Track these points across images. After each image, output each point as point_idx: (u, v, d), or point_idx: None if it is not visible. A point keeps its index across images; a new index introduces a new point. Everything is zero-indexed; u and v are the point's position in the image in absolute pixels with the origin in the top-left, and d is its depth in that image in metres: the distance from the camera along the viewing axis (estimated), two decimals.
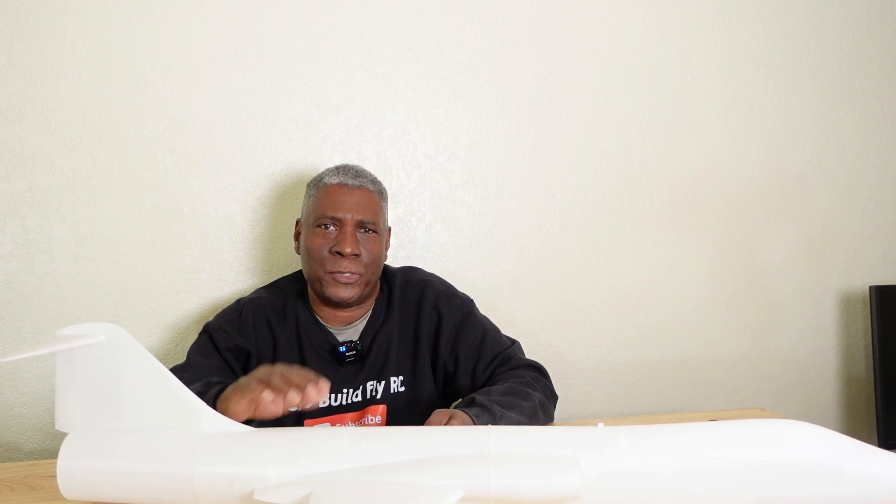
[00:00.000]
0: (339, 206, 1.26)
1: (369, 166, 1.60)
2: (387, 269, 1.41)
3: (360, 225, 1.27)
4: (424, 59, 1.65)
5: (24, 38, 1.43)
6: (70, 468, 0.84)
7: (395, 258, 1.63)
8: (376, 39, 1.62)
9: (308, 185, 1.35)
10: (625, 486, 0.79)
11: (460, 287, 1.42)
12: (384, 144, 1.64)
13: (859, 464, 0.77)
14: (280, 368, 0.94)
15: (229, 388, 0.98)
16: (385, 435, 0.85)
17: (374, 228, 1.29)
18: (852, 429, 1.95)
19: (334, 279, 1.25)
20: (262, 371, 0.96)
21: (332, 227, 1.27)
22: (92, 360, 0.85)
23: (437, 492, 0.77)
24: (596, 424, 0.85)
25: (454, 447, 0.82)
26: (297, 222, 1.37)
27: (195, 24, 1.52)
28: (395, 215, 1.64)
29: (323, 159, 1.59)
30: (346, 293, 1.26)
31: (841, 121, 1.95)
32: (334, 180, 1.29)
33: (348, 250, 1.24)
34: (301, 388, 0.89)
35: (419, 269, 1.43)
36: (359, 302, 1.31)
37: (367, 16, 1.62)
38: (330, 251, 1.25)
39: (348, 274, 1.25)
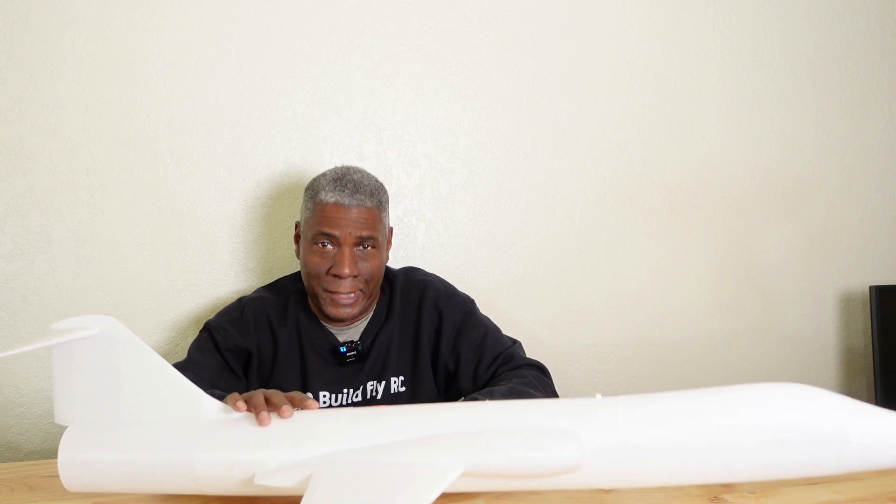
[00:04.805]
0: (336, 226, 1.23)
1: (369, 166, 1.60)
2: (388, 269, 1.40)
3: (359, 242, 1.25)
4: (424, 59, 1.65)
5: (24, 38, 1.43)
6: (71, 461, 0.84)
7: (395, 258, 1.63)
8: (376, 39, 1.62)
9: (305, 191, 1.32)
10: (624, 456, 0.79)
11: (460, 287, 1.42)
12: (384, 144, 1.64)
13: (862, 426, 0.77)
14: (270, 393, 0.91)
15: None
16: (384, 415, 0.86)
17: (373, 244, 1.26)
18: None
19: (332, 300, 1.24)
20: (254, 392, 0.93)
21: (329, 246, 1.24)
22: (88, 352, 0.85)
23: (437, 470, 0.77)
24: (594, 396, 0.86)
25: (452, 424, 0.82)
26: (297, 225, 1.37)
27: (195, 24, 1.52)
28: (395, 215, 1.64)
29: (323, 159, 1.59)
30: (345, 312, 1.25)
31: (841, 121, 1.95)
32: (330, 199, 1.24)
33: (346, 272, 1.22)
34: (277, 408, 0.86)
35: (419, 269, 1.43)
36: (357, 316, 1.30)
37: (367, 16, 1.62)
38: (327, 272, 1.24)
39: (346, 295, 1.24)
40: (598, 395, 0.85)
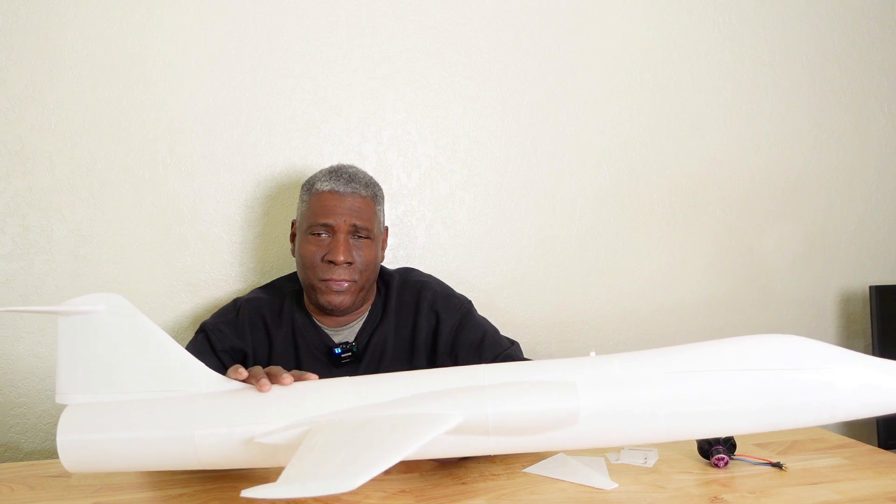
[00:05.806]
0: (331, 213, 1.25)
1: (369, 166, 1.60)
2: (384, 270, 1.40)
3: (353, 231, 1.26)
4: (424, 59, 1.65)
5: (24, 38, 1.43)
6: (70, 442, 0.83)
7: (395, 258, 1.63)
8: (376, 39, 1.62)
9: (302, 188, 1.34)
10: (620, 409, 0.80)
11: (460, 287, 1.42)
12: (384, 144, 1.64)
13: (848, 370, 0.82)
14: (270, 367, 0.94)
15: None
16: (383, 379, 0.87)
17: (368, 234, 1.27)
18: (852, 429, 1.95)
19: (328, 287, 1.25)
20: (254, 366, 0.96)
21: (324, 235, 1.26)
22: (94, 328, 0.85)
23: (435, 419, 0.78)
24: (588, 354, 0.87)
25: (452, 384, 0.83)
26: (293, 223, 1.37)
27: (195, 24, 1.52)
28: (395, 215, 1.64)
29: (323, 159, 1.59)
30: (339, 300, 1.26)
31: (841, 121, 1.95)
32: (326, 187, 1.28)
33: (341, 258, 1.23)
34: (276, 377, 0.88)
35: (415, 269, 1.43)
36: (353, 308, 1.30)
37: (367, 16, 1.62)
38: (322, 259, 1.25)
39: (341, 282, 1.24)
40: (592, 353, 0.87)
